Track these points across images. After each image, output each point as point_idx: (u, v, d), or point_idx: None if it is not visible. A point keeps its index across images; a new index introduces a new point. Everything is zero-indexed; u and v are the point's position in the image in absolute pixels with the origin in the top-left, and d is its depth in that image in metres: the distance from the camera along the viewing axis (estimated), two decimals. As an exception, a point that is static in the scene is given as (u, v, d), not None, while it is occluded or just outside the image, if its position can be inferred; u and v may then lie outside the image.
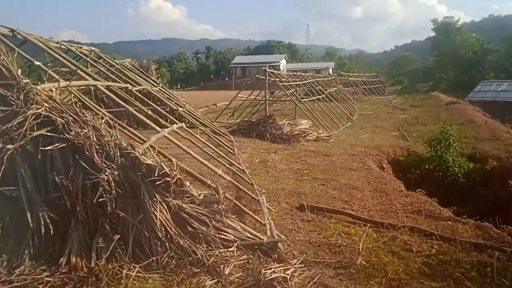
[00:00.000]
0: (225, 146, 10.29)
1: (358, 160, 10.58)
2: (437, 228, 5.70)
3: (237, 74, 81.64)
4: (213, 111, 25.68)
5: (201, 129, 9.71)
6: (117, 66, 10.33)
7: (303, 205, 6.12)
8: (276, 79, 17.09)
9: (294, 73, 24.65)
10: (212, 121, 16.94)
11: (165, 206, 3.95)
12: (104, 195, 3.78)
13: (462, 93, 35.86)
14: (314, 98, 20.08)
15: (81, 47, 8.56)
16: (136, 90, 8.06)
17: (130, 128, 5.85)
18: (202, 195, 4.16)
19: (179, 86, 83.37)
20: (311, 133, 13.91)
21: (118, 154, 3.86)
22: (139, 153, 3.90)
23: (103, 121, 4.17)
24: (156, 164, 3.90)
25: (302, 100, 18.30)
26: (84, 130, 3.86)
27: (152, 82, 13.65)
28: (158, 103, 11.10)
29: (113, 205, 3.85)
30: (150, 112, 8.75)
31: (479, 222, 6.01)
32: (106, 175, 3.71)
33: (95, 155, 3.78)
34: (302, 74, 24.74)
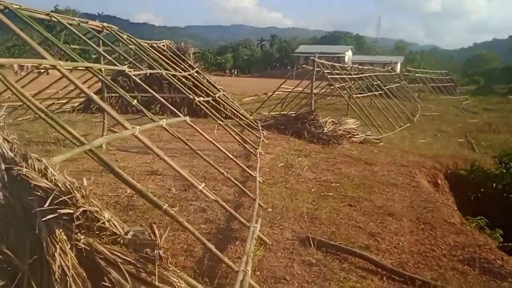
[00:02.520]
0: (248, 144, 8.94)
1: (407, 173, 8.78)
2: (494, 294, 4.01)
3: (300, 63, 79.60)
4: (262, 101, 24.34)
5: (219, 123, 8.38)
6: (138, 46, 9.24)
7: (311, 238, 4.63)
8: (326, 71, 15.34)
9: (356, 66, 22.62)
10: (252, 112, 15.70)
11: (70, 246, 2.70)
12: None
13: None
14: (369, 94, 18.05)
15: (87, 22, 7.49)
16: (134, 75, 6.87)
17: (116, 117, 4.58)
18: (131, 232, 2.86)
19: (235, 72, 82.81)
20: (357, 134, 12.16)
21: (3, 168, 2.65)
22: (32, 169, 2.66)
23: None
24: (54, 187, 2.64)
25: (354, 95, 16.37)
26: None
27: (186, 66, 12.54)
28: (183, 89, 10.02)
29: (-6, 238, 2.65)
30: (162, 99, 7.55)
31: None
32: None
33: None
34: (362, 68, 22.60)
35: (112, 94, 13.63)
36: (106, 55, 7.06)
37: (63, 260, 2.71)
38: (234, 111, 12.09)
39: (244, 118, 12.04)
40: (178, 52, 13.55)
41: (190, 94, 8.33)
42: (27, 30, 6.04)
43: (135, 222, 4.70)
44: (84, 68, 6.13)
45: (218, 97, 11.25)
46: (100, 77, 5.49)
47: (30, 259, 2.73)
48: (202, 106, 8.46)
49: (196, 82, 11.24)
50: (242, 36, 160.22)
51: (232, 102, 13.56)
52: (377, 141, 12.20)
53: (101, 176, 6.57)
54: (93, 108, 13.78)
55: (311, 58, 14.67)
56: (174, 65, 11.14)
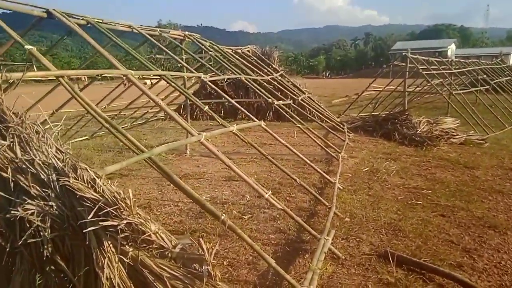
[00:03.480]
0: (331, 148, 8.53)
1: (516, 177, 7.65)
2: None
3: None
4: (354, 102, 23.49)
5: (298, 126, 8.09)
6: (219, 53, 9.36)
7: (390, 253, 4.13)
8: (421, 67, 14.19)
9: (458, 60, 20.69)
10: (340, 114, 15.14)
11: (117, 259, 2.64)
12: (37, 234, 2.66)
13: None
14: (472, 89, 16.32)
15: (169, 32, 7.73)
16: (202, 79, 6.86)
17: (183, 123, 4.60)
18: (179, 246, 2.72)
19: (327, 74, 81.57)
20: (457, 135, 10.99)
21: (54, 179, 2.68)
22: (81, 179, 2.65)
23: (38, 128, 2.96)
24: (100, 198, 2.60)
25: (455, 92, 14.90)
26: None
27: (269, 70, 12.47)
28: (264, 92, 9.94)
29: (49, 248, 2.70)
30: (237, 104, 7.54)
31: None
32: (28, 207, 2.56)
33: (20, 178, 2.66)
34: (464, 61, 20.62)
35: (212, 100, 14.10)
36: (182, 62, 7.20)
37: (111, 272, 2.66)
38: (319, 114, 11.69)
39: (329, 121, 11.59)
40: (262, 57, 13.56)
41: (269, 98, 8.16)
42: (110, 45, 6.40)
43: (184, 233, 4.62)
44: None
45: (302, 99, 10.94)
46: (173, 84, 5.56)
47: (82, 270, 2.74)
48: (281, 110, 8.24)
49: (279, 86, 11.08)
50: (335, 37, 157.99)
51: (318, 104, 13.16)
52: (482, 141, 10.90)
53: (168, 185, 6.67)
54: (185, 116, 14.36)
55: (403, 53, 13.68)
56: (257, 70, 11.11)
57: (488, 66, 21.02)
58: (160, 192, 6.22)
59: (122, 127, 12.37)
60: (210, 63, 10.87)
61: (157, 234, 2.73)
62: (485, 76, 18.76)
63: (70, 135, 10.30)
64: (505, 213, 5.75)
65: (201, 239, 2.70)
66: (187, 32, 8.35)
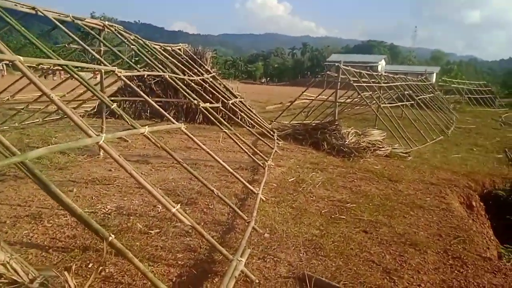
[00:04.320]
0: (258, 155, 8.15)
1: (436, 192, 7.74)
2: None
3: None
4: (287, 109, 23.55)
5: (225, 131, 7.62)
6: (144, 47, 8.63)
7: (307, 276, 3.76)
8: (352, 78, 14.37)
9: (386, 75, 21.37)
10: (272, 121, 14.93)
11: None
12: None
13: None
14: (399, 104, 16.89)
15: (84, 19, 6.90)
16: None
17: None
18: (38, 280, 2.11)
19: (267, 80, 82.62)
20: (383, 147, 11.14)
21: None
22: None
23: None
24: None
25: (383, 105, 15.28)
26: None
27: (201, 70, 11.91)
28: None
29: None
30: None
31: None
32: None
33: None
34: (392, 76, 21.41)
35: (127, 98, 13.19)
36: (94, 53, 6.41)
37: None
38: (249, 119, 11.33)
39: (259, 127, 11.25)
40: (195, 56, 12.95)
41: (194, 99, 7.61)
42: (6, 28, 5.50)
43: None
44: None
45: (232, 103, 10.50)
46: (75, 76, 4.83)
47: None
48: (207, 113, 7.72)
49: (209, 88, 10.55)
50: (274, 45, 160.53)
51: (250, 110, 12.80)
52: (405, 155, 11.14)
53: (85, 188, 5.92)
54: (106, 113, 13.32)
55: (336, 64, 13.76)
56: (186, 70, 10.51)
57: (414, 83, 22.00)
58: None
59: (31, 123, 11.18)
60: (137, 58, 10.12)
61: (7, 265, 2.09)
62: (411, 92, 19.57)
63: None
64: (426, 229, 5.67)
65: (66, 272, 2.11)
66: (107, 22, 7.56)
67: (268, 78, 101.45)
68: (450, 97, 33.55)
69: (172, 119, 5.85)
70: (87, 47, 6.45)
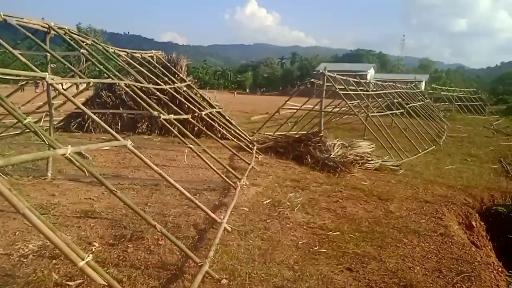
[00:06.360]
0: (229, 173, 7.19)
1: (432, 212, 6.83)
2: None
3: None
4: (273, 119, 22.66)
5: (189, 147, 6.66)
6: (102, 51, 7.66)
7: None
8: (338, 86, 13.52)
9: (375, 82, 20.63)
10: (254, 132, 13.99)
11: None
12: None
13: None
14: (388, 112, 16.05)
15: (23, 19, 5.89)
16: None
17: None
18: None
19: (247, 90, 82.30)
20: (372, 160, 10.24)
21: None
22: None
23: None
24: None
25: (371, 114, 14.42)
26: None
27: (173, 79, 10.96)
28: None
29: None
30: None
31: None
32: None
33: None
34: (381, 84, 20.67)
35: (96, 111, 12.16)
36: (22, 58, 5.39)
37: None
38: (226, 131, 10.38)
39: (236, 140, 10.30)
40: (168, 64, 12.00)
41: (154, 110, 6.63)
42: None
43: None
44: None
45: (207, 114, 9.54)
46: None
47: None
48: (168, 125, 6.76)
49: (180, 97, 9.58)
50: (264, 55, 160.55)
51: (228, 121, 11.85)
52: (396, 167, 10.25)
53: (13, 220, 4.88)
54: (73, 127, 12.30)
55: (320, 72, 12.91)
56: (154, 78, 9.55)
57: (404, 90, 21.28)
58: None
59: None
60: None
61: None
62: (400, 99, 18.80)
63: None
64: (422, 263, 4.73)
65: None
66: (53, 23, 6.57)
67: (263, 89, 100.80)
68: (440, 105, 33.02)
69: (116, 135, 4.86)
70: (13, 50, 5.43)
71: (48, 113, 6.85)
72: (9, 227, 4.65)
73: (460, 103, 34.96)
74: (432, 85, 46.36)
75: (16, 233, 4.48)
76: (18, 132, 10.92)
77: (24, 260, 3.83)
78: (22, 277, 3.48)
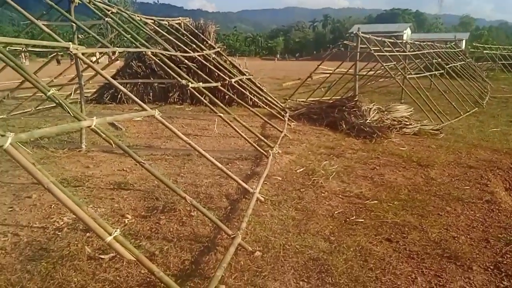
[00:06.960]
0: (261, 141, 7.03)
1: (476, 178, 6.46)
2: None
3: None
4: (305, 85, 22.16)
5: (219, 115, 6.51)
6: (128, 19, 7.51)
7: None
8: (373, 48, 12.89)
9: (412, 42, 19.63)
10: (287, 99, 13.69)
11: None
12: None
13: None
14: (427, 74, 15.28)
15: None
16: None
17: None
18: None
19: (278, 57, 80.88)
20: (410, 124, 9.81)
21: None
22: None
23: None
24: None
25: (409, 76, 13.75)
26: None
27: (202, 46, 10.74)
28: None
29: None
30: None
31: None
32: None
33: None
34: (418, 44, 19.63)
35: (127, 81, 12.17)
36: (43, 27, 5.29)
37: None
38: (258, 98, 10.15)
39: (268, 107, 10.06)
40: (196, 31, 11.74)
41: (182, 79, 6.48)
42: None
43: None
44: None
45: (237, 81, 9.33)
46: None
47: None
48: (197, 94, 6.61)
49: (210, 65, 9.38)
50: (295, 19, 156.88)
51: (260, 88, 11.59)
52: (437, 131, 9.78)
53: (48, 193, 4.92)
54: (106, 98, 12.38)
55: (354, 33, 12.32)
56: (183, 46, 9.35)
57: (443, 50, 20.17)
58: (9, 210, 4.45)
59: (19, 113, 10.32)
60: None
61: None
62: (439, 60, 17.84)
63: None
64: (467, 233, 4.46)
65: None
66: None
67: (282, 54, 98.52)
68: (483, 64, 31.33)
69: (144, 105, 4.75)
70: (36, 21, 5.33)
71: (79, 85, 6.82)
72: (45, 200, 4.70)
73: (504, 62, 32.97)
74: (474, 44, 43.89)
75: (52, 206, 4.53)
76: (53, 105, 11.09)
77: (59, 233, 3.85)
78: (57, 251, 3.49)
